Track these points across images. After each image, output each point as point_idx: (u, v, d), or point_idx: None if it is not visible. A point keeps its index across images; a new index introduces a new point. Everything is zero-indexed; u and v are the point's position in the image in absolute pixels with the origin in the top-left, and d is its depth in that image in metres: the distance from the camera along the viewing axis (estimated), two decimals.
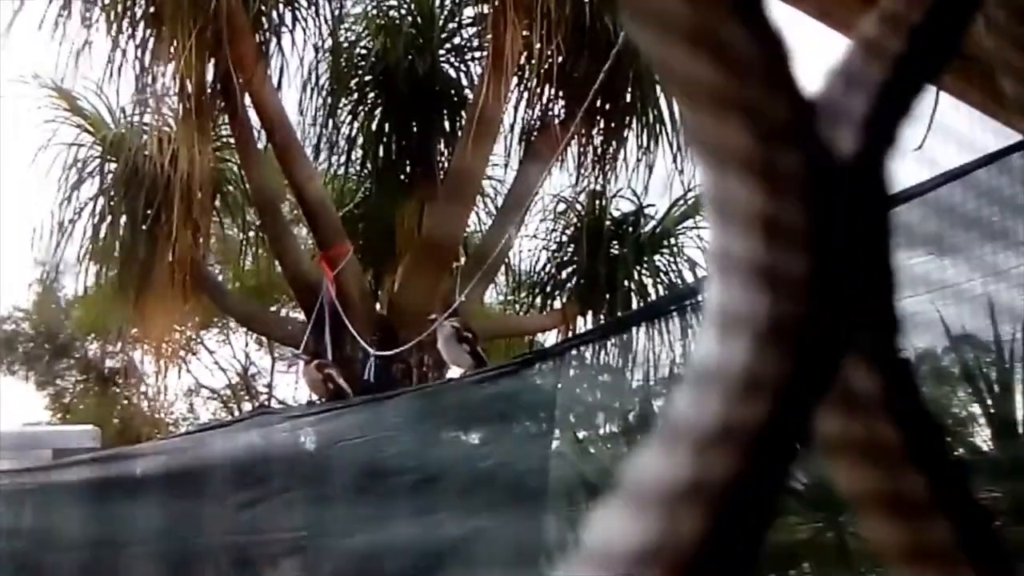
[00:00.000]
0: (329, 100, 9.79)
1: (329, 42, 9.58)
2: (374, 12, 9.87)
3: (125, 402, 18.19)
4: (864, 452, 0.50)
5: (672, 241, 9.63)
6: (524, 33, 8.06)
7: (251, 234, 10.78)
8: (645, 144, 9.37)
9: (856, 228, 0.41)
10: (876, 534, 0.51)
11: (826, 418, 0.48)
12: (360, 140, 9.98)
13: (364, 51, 9.93)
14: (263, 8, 8.79)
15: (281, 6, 9.11)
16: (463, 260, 9.42)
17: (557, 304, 9.84)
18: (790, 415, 0.39)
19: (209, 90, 8.58)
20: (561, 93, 9.06)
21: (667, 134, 9.25)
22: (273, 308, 14.52)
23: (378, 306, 9.26)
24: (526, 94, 9.27)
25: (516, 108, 9.34)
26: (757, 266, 0.39)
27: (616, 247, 9.53)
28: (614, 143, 9.55)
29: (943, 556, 0.51)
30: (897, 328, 0.47)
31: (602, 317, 9.26)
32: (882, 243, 0.43)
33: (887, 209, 0.43)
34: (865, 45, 0.46)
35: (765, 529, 0.39)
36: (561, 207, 9.95)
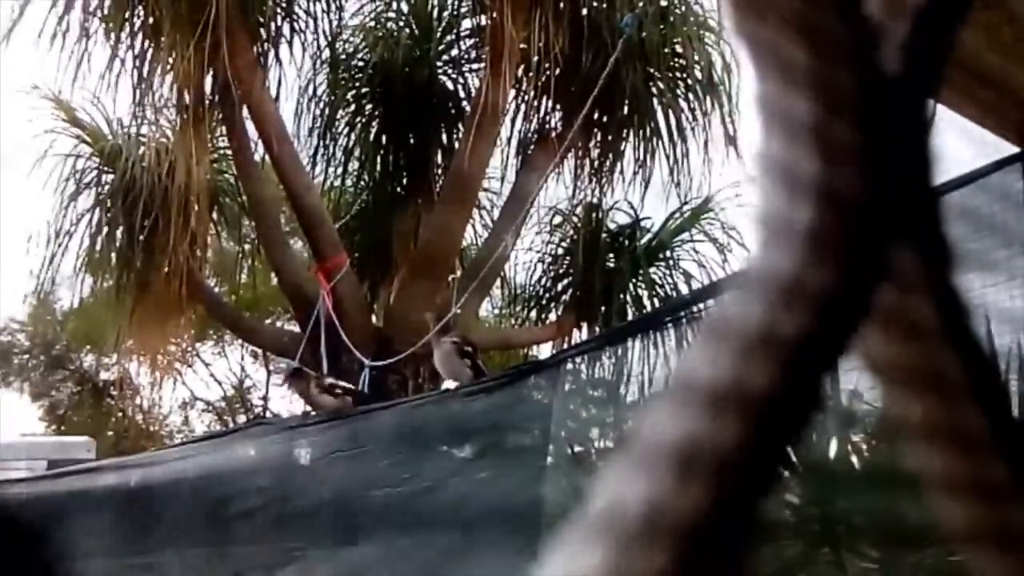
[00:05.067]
0: (327, 111, 9.82)
1: (327, 53, 9.62)
2: (372, 24, 9.90)
3: (120, 414, 18.14)
4: (950, 437, 0.50)
5: (668, 254, 9.63)
6: (522, 45, 8.08)
7: (248, 246, 10.79)
8: (642, 156, 9.39)
9: (903, 148, 0.42)
10: (953, 515, 0.51)
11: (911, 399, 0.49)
12: (357, 151, 9.99)
13: (362, 62, 9.95)
14: (261, 19, 8.81)
15: (279, 17, 9.13)
16: (459, 272, 9.42)
17: (553, 317, 9.85)
18: (832, 330, 0.39)
19: (207, 101, 8.60)
20: (558, 105, 9.08)
21: (664, 146, 9.27)
22: (269, 320, 14.52)
23: (374, 318, 9.26)
24: (523, 106, 9.30)
25: (513, 120, 9.38)
26: (807, 176, 0.39)
27: (612, 259, 9.53)
28: (611, 155, 9.57)
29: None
30: (949, 254, 0.47)
31: (598, 330, 9.25)
32: (925, 166, 0.43)
33: (929, 135, 0.44)
34: None
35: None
36: (557, 219, 9.97)
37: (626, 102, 9.14)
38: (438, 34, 9.79)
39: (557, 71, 8.44)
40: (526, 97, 9.14)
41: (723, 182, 9.38)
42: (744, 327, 0.38)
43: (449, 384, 6.04)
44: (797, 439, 0.39)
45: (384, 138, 9.88)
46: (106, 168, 9.46)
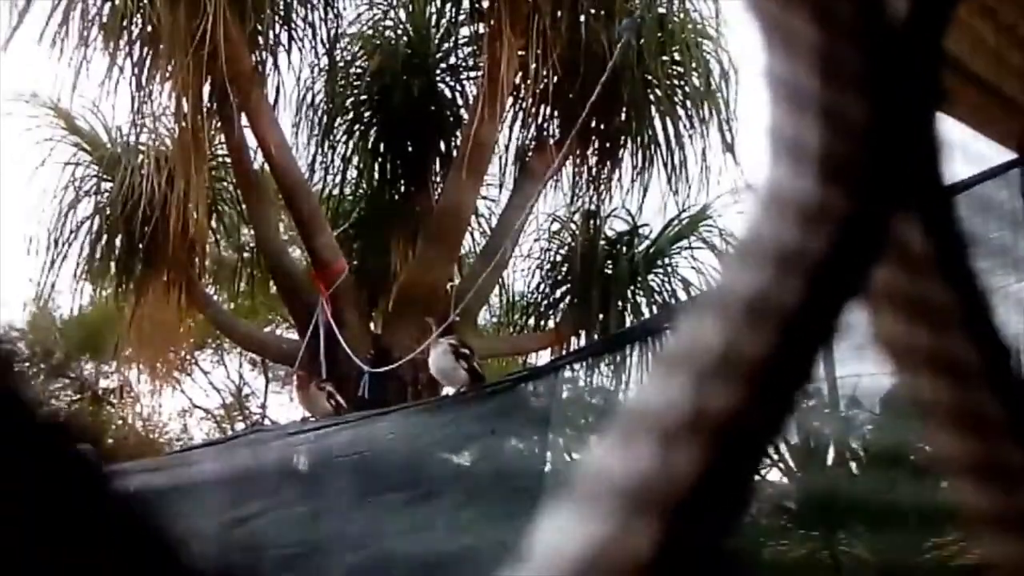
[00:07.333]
0: (325, 119, 9.83)
1: (325, 61, 9.63)
2: (370, 32, 9.91)
3: (120, 422, 18.13)
4: (967, 422, 0.49)
5: (666, 261, 9.63)
6: (519, 53, 8.09)
7: (247, 254, 10.79)
8: (640, 164, 9.40)
9: (909, 85, 0.41)
10: (970, 500, 0.51)
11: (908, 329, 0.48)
12: (356, 159, 10.00)
13: (360, 71, 9.96)
14: (259, 27, 8.81)
15: (277, 25, 9.14)
16: (457, 279, 9.42)
17: (551, 324, 9.84)
18: (847, 255, 0.39)
19: (205, 109, 8.60)
20: (556, 113, 9.09)
21: (662, 154, 9.28)
22: (268, 328, 14.52)
23: (373, 325, 9.26)
24: (521, 114, 9.31)
25: (511, 127, 9.39)
26: (816, 101, 0.39)
27: (610, 267, 9.53)
28: (609, 163, 9.58)
29: None
30: (946, 198, 0.47)
31: (596, 337, 9.25)
32: (928, 110, 0.43)
33: (936, 79, 0.43)
34: None
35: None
36: (556, 226, 9.98)
37: (624, 109, 9.15)
38: (436, 42, 9.80)
39: (555, 78, 8.46)
40: (524, 105, 9.16)
41: (721, 189, 9.40)
42: (766, 250, 0.38)
43: (447, 390, 6.04)
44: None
45: (382, 146, 9.89)
46: (105, 176, 9.47)
